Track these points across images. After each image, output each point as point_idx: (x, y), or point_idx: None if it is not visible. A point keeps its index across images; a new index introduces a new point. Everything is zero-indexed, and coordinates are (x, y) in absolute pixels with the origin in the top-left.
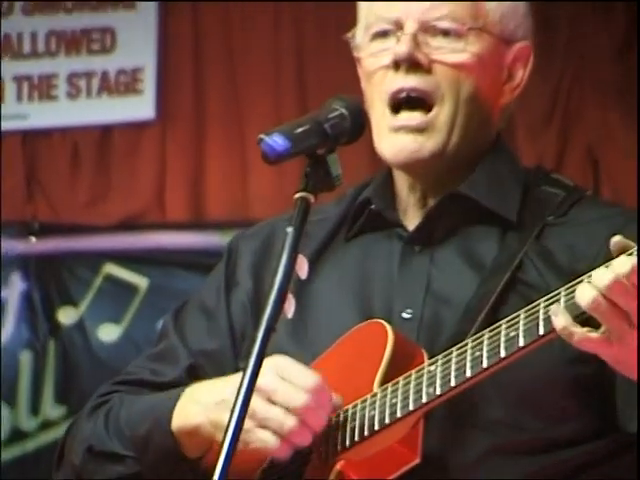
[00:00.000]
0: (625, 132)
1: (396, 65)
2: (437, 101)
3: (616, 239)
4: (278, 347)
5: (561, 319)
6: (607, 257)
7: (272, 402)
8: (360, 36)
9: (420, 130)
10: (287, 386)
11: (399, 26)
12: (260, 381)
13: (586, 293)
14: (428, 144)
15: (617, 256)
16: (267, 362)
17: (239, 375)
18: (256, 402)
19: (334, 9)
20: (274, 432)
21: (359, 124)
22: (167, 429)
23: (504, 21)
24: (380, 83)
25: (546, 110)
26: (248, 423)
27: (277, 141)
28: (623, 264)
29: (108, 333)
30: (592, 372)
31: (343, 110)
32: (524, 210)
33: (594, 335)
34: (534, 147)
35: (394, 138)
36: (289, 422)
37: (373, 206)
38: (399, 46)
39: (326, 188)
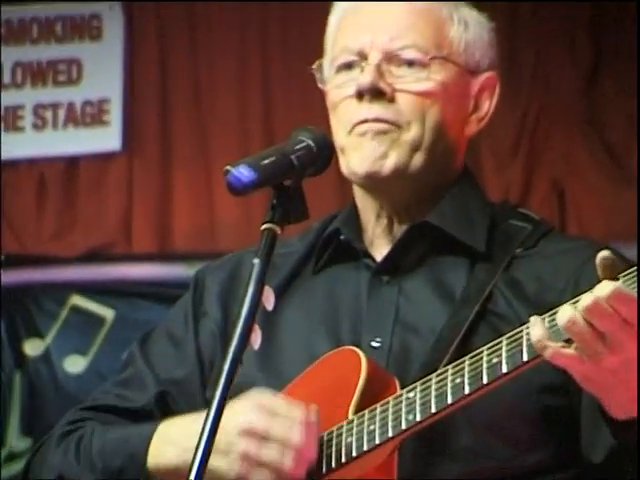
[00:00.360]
0: (591, 164)
1: (360, 95)
2: (403, 126)
3: (604, 253)
4: (245, 378)
5: (539, 330)
6: (575, 288)
7: (266, 441)
8: (327, 69)
9: (384, 132)
10: (279, 423)
11: (363, 57)
12: (250, 423)
13: (565, 312)
14: (391, 156)
15: (602, 273)
16: (249, 401)
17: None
18: (249, 444)
19: (300, 41)
20: (273, 471)
21: (326, 156)
22: (142, 466)
23: (469, 51)
24: (344, 113)
25: (512, 142)
26: (243, 466)
27: (243, 173)
28: (604, 287)
29: (74, 365)
30: (561, 402)
31: (310, 142)
32: (492, 242)
33: (567, 351)
34: (500, 179)
35: (360, 145)
36: (287, 459)
37: (342, 236)
38: (363, 76)
39: (293, 220)
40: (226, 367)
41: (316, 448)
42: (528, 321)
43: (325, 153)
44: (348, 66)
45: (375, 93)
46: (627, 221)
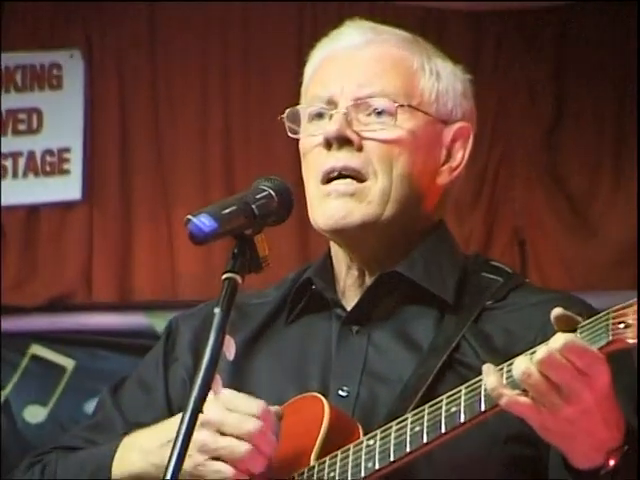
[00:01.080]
0: (551, 214)
1: (328, 144)
2: (370, 177)
3: (557, 312)
4: None
5: (492, 379)
6: (544, 341)
7: (222, 433)
8: (302, 117)
9: (350, 194)
10: (234, 415)
11: (334, 104)
12: (207, 414)
13: (520, 364)
14: (358, 210)
15: (557, 327)
16: (211, 396)
17: (178, 417)
18: (205, 435)
19: (261, 93)
20: (228, 461)
21: (287, 205)
22: (107, 477)
23: (441, 101)
24: (314, 161)
25: (473, 192)
26: (200, 457)
27: (204, 222)
28: (558, 339)
29: (34, 414)
30: (528, 452)
31: (271, 191)
32: (463, 294)
33: (523, 399)
34: (462, 229)
35: (325, 204)
36: (242, 448)
37: (314, 286)
38: (330, 125)
39: (254, 269)
40: (186, 417)
41: (274, 441)
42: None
43: (286, 202)
44: (319, 115)
45: (342, 141)
46: (588, 271)
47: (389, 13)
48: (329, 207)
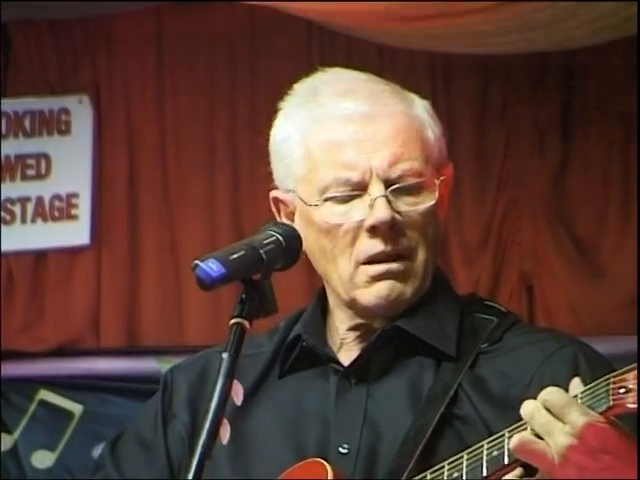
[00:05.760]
0: (559, 258)
1: (374, 229)
2: (413, 254)
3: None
4: (216, 476)
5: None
6: (540, 383)
7: None
8: (308, 192)
9: (401, 274)
10: None
11: (362, 188)
12: None
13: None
14: (409, 287)
15: None
16: None
17: None
18: None
19: (268, 137)
20: None
21: (294, 250)
22: None
23: (442, 148)
24: (351, 242)
25: (480, 236)
26: None
27: (212, 267)
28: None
29: (42, 460)
30: None
31: (279, 236)
32: (459, 339)
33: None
34: (469, 273)
35: (374, 285)
36: None
37: (304, 343)
38: (377, 212)
39: (262, 314)
40: (195, 461)
41: None
42: (490, 427)
43: (294, 247)
44: (344, 200)
45: (390, 227)
46: (596, 315)
47: (398, 54)
48: (381, 288)
